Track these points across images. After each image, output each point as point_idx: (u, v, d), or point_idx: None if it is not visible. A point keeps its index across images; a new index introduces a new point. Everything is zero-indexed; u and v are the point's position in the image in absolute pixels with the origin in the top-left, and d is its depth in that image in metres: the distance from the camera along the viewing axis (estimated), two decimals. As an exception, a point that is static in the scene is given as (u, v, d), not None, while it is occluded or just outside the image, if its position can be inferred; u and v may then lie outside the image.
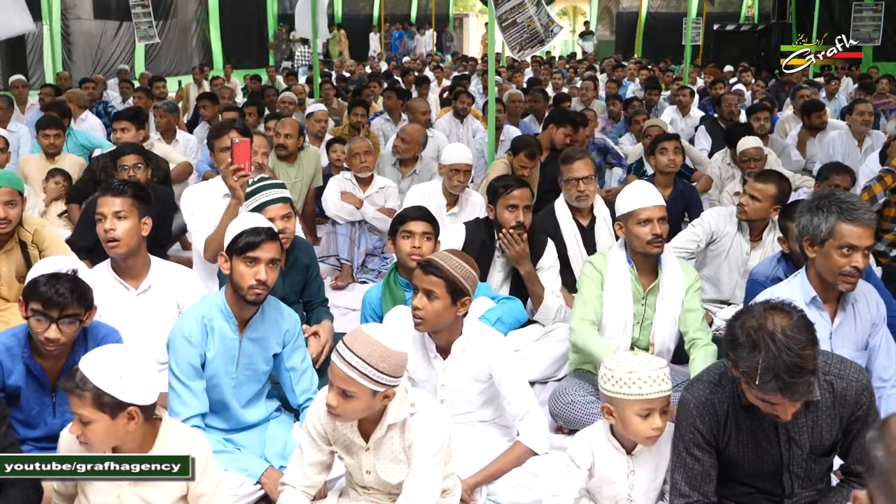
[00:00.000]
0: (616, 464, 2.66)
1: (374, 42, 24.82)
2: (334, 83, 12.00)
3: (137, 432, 2.31)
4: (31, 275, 2.78)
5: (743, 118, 8.24)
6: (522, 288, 4.33)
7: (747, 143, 5.96)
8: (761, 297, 2.95)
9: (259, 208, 3.68)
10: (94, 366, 2.24)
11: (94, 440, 2.25)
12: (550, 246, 4.42)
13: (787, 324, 2.22)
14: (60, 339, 2.73)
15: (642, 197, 3.56)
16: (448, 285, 2.96)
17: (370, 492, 2.70)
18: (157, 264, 3.58)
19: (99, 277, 3.33)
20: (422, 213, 3.85)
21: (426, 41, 25.14)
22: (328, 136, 7.58)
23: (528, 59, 16.36)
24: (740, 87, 10.15)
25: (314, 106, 8.23)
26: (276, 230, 3.13)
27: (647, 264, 3.61)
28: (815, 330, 2.28)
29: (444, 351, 3.10)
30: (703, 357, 3.39)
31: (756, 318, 2.25)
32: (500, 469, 3.05)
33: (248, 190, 3.81)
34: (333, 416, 2.48)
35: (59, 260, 2.87)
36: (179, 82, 14.92)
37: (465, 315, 3.07)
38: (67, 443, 2.39)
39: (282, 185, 3.87)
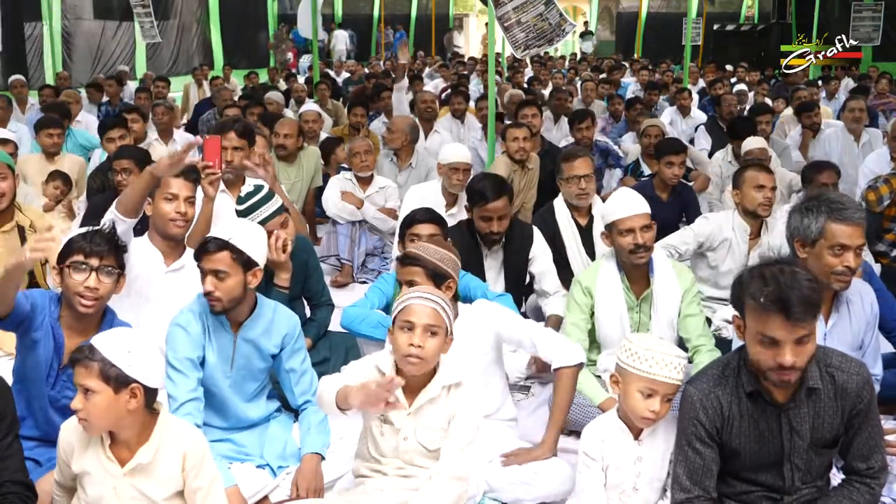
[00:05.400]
0: (623, 449, 2.67)
1: (342, 41, 23.57)
2: (334, 83, 11.97)
3: (136, 419, 2.35)
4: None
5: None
6: (516, 283, 4.35)
7: (752, 143, 5.95)
8: None
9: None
10: (105, 340, 2.34)
11: (94, 415, 2.29)
12: (539, 237, 4.41)
13: (793, 268, 2.36)
14: (99, 289, 2.84)
15: (624, 206, 3.54)
16: (428, 272, 3.03)
17: (388, 477, 2.67)
18: (188, 250, 3.68)
19: (139, 246, 3.59)
20: (430, 216, 3.82)
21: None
22: (323, 135, 7.58)
23: (528, 60, 16.35)
24: (742, 87, 10.10)
25: (305, 106, 8.22)
26: (224, 241, 3.02)
27: (638, 272, 3.58)
28: None
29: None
30: (707, 362, 3.36)
31: (762, 266, 2.41)
32: (564, 409, 3.09)
33: (242, 207, 3.68)
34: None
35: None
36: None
37: (455, 298, 3.14)
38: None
39: (272, 195, 3.77)
